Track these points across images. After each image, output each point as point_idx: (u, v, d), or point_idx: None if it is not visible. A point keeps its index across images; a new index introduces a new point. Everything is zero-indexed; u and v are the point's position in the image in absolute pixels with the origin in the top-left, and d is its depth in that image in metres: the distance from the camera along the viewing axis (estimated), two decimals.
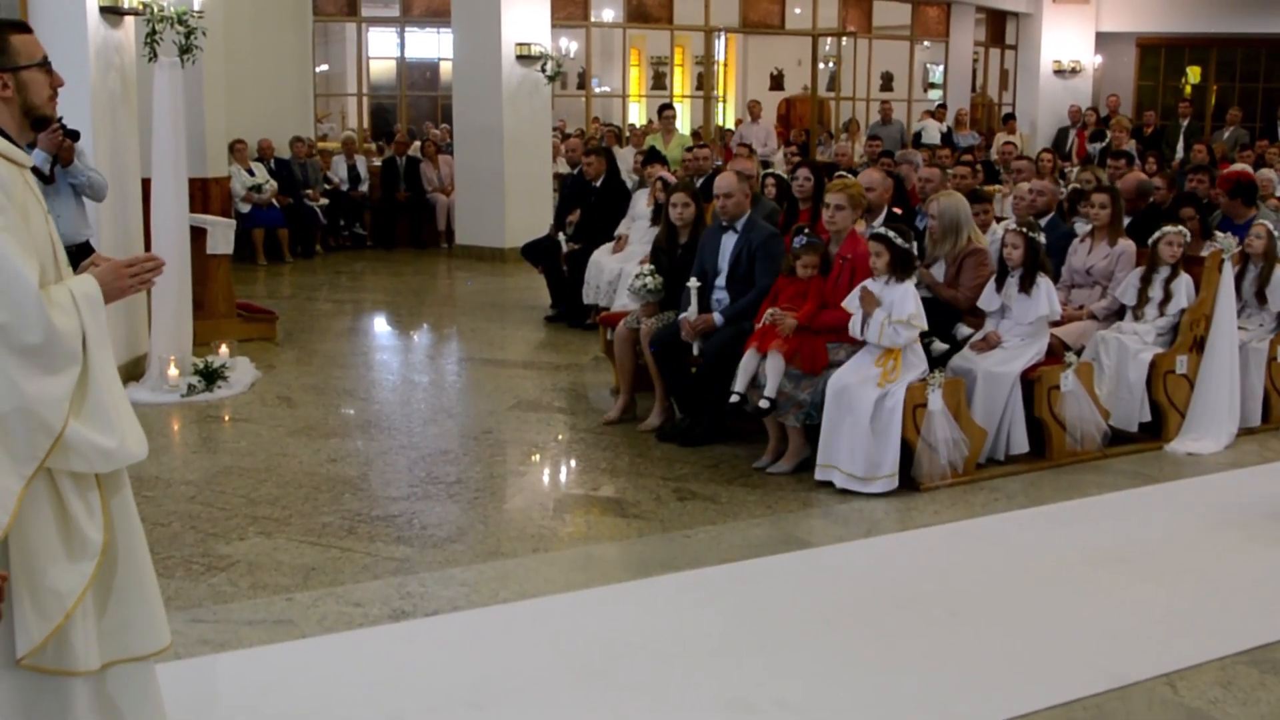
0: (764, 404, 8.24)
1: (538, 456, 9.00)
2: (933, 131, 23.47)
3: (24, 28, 4.07)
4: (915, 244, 8.28)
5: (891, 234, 8.11)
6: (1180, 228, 9.30)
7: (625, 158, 18.22)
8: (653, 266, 9.75)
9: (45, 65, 4.04)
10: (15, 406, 3.67)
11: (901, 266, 8.08)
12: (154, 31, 10.14)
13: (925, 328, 8.16)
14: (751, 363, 8.35)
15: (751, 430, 8.84)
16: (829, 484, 8.02)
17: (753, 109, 23.81)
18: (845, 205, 8.63)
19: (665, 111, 19.42)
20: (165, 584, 6.26)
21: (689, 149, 15.00)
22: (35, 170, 8.52)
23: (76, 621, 3.90)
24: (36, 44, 4.05)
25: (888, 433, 7.93)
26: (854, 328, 8.15)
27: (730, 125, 26.43)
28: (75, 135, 8.97)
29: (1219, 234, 9.67)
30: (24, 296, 3.69)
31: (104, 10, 9.85)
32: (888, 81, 28.10)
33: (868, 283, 8.16)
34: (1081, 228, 10.23)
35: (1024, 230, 8.70)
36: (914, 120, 25.54)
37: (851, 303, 8.18)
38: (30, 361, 3.71)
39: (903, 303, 7.99)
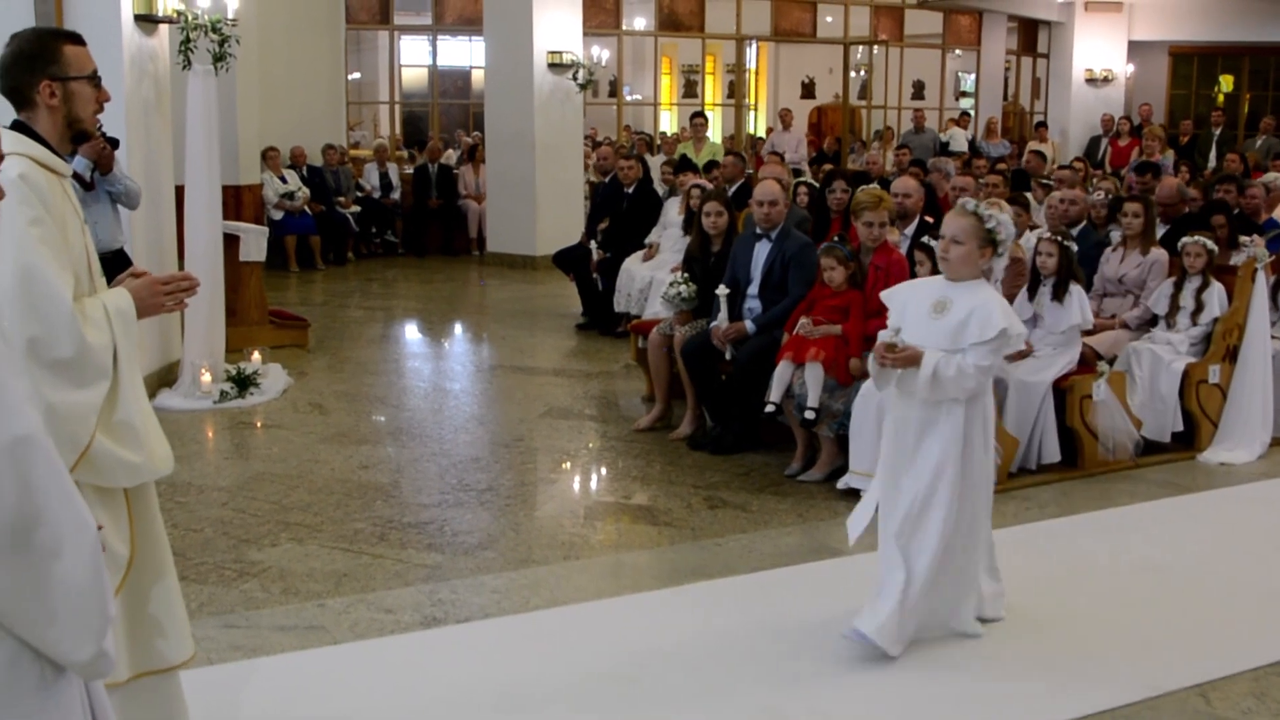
0: (809, 415, 8.22)
1: (569, 464, 9.01)
2: (960, 140, 23.44)
3: (77, 39, 4.10)
4: None
5: (934, 245, 8.09)
6: (1199, 238, 9.22)
7: (655, 166, 18.24)
8: (686, 274, 9.75)
9: (94, 79, 4.08)
10: (43, 419, 3.68)
11: None
12: (188, 39, 10.19)
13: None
14: (786, 372, 8.35)
15: (782, 439, 8.83)
16: (858, 492, 7.99)
17: (784, 117, 23.81)
18: (886, 222, 8.63)
19: (696, 119, 19.42)
20: (198, 590, 6.31)
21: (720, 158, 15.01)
22: (77, 177, 8.61)
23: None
24: (88, 57, 4.08)
25: None
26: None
27: (761, 134, 26.42)
28: (115, 143, 9.04)
29: (1244, 240, 9.63)
30: (58, 311, 3.72)
31: (139, 18, 9.89)
32: (919, 90, 28.09)
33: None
34: (1117, 236, 10.18)
35: (1058, 239, 8.68)
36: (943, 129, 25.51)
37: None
38: (60, 375, 3.74)
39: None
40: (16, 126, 3.96)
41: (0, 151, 2.65)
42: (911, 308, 5.79)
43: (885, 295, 6.06)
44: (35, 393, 3.67)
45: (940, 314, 5.62)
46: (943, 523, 5.63)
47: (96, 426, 3.81)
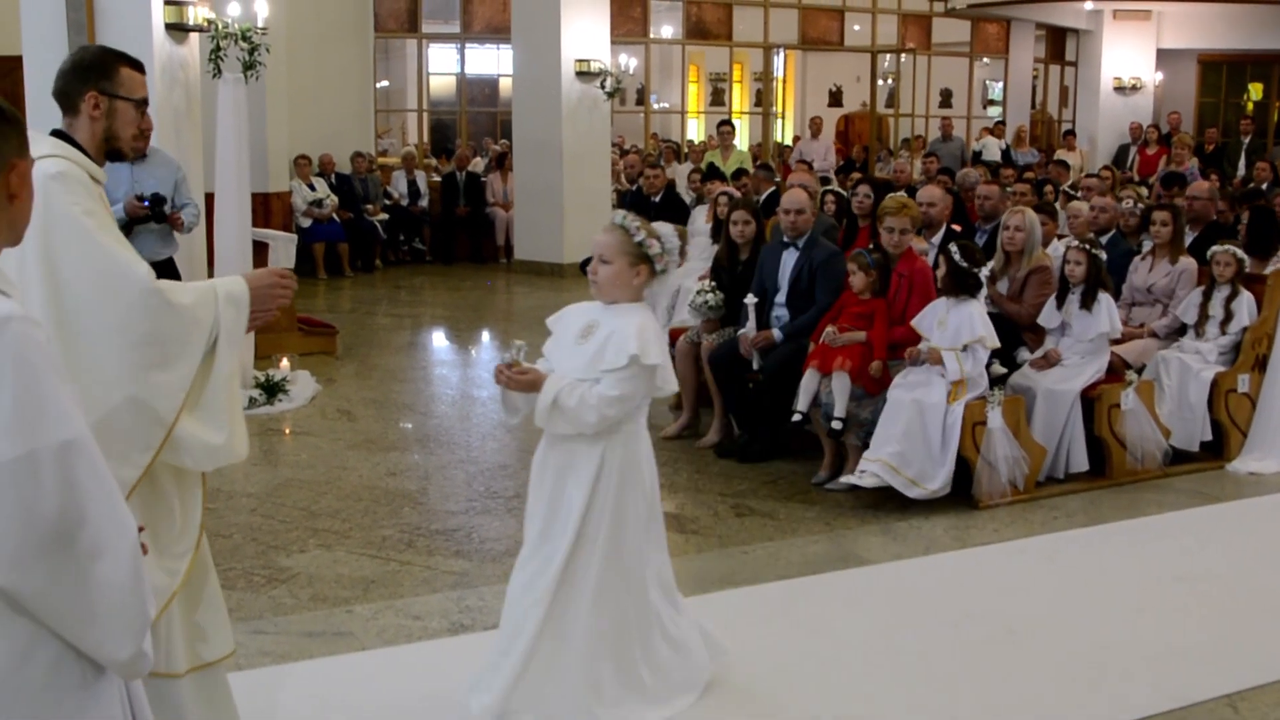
0: (836, 425, 8.22)
1: None
2: (993, 149, 23.40)
3: (137, 65, 4.22)
4: (985, 266, 8.23)
5: (954, 251, 8.08)
6: (1229, 247, 9.19)
7: (683, 174, 18.24)
8: (714, 283, 9.75)
9: (141, 105, 4.19)
10: (129, 396, 3.76)
11: (958, 285, 8.04)
12: (218, 48, 10.24)
13: (997, 345, 8.13)
14: (813, 382, 8.34)
15: (809, 447, 8.83)
16: (888, 498, 7.98)
17: (814, 125, 23.82)
18: (908, 229, 8.63)
19: (724, 127, 19.44)
20: (226, 595, 6.29)
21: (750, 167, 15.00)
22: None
23: (160, 623, 3.97)
24: (142, 84, 4.21)
25: (947, 447, 7.90)
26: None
27: (788, 142, 26.44)
28: (160, 217, 9.02)
29: None
30: (138, 290, 3.80)
31: (169, 27, 9.96)
32: (947, 98, 28.06)
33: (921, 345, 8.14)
34: (1149, 246, 10.14)
35: (1086, 247, 8.66)
36: (973, 137, 25.45)
37: (922, 321, 8.17)
38: (145, 353, 3.81)
39: (970, 325, 7.96)
40: (56, 134, 4.06)
41: (30, 155, 2.68)
42: (566, 330, 5.09)
43: (550, 320, 5.21)
44: (122, 374, 3.74)
45: (585, 338, 4.94)
46: (577, 590, 4.93)
47: (183, 406, 3.87)
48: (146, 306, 3.80)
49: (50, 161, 3.82)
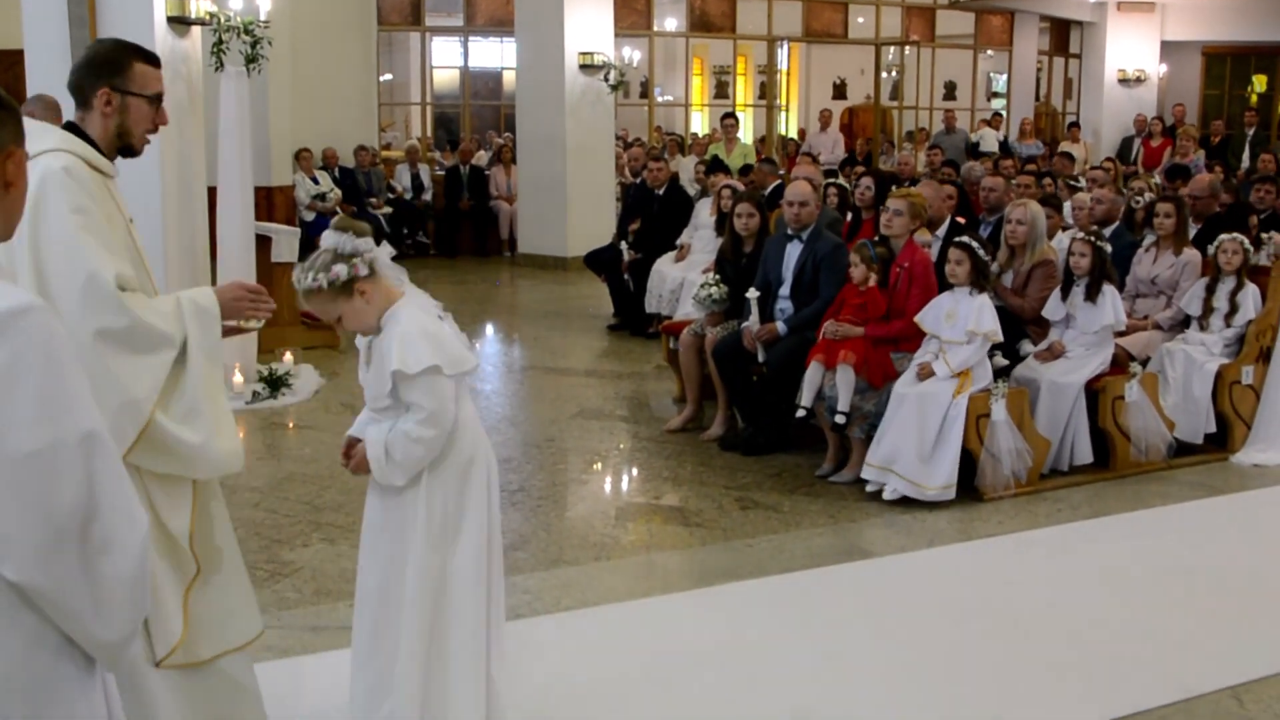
0: (840, 419, 8.21)
1: (600, 465, 9.01)
2: (990, 140, 23.39)
3: (153, 60, 4.23)
4: (992, 259, 8.27)
5: (975, 244, 8.09)
6: (1237, 235, 9.18)
7: (686, 166, 18.23)
8: (718, 276, 9.75)
9: (155, 101, 4.19)
10: (106, 386, 3.79)
11: (983, 277, 8.06)
12: (221, 41, 10.23)
13: (1000, 339, 8.12)
14: (816, 375, 8.33)
15: (814, 440, 8.82)
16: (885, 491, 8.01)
17: (822, 118, 23.82)
18: (903, 211, 8.60)
19: (727, 120, 19.42)
20: None
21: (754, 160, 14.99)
22: None
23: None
24: (157, 79, 4.21)
25: (948, 442, 7.90)
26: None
27: (793, 134, 26.42)
28: None
29: (1264, 236, 9.59)
30: (105, 292, 3.82)
31: (171, 20, 9.93)
32: (950, 90, 28.02)
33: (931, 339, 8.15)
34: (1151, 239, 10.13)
35: (1091, 239, 8.64)
36: (975, 130, 25.45)
37: (926, 316, 8.16)
38: (118, 344, 3.86)
39: (980, 316, 7.95)
40: (69, 127, 4.09)
41: (27, 151, 2.67)
42: (361, 355, 4.67)
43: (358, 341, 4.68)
44: (94, 364, 3.77)
45: (368, 365, 4.55)
46: (405, 628, 4.73)
47: (157, 404, 3.91)
48: (118, 304, 3.84)
49: (55, 156, 3.88)
